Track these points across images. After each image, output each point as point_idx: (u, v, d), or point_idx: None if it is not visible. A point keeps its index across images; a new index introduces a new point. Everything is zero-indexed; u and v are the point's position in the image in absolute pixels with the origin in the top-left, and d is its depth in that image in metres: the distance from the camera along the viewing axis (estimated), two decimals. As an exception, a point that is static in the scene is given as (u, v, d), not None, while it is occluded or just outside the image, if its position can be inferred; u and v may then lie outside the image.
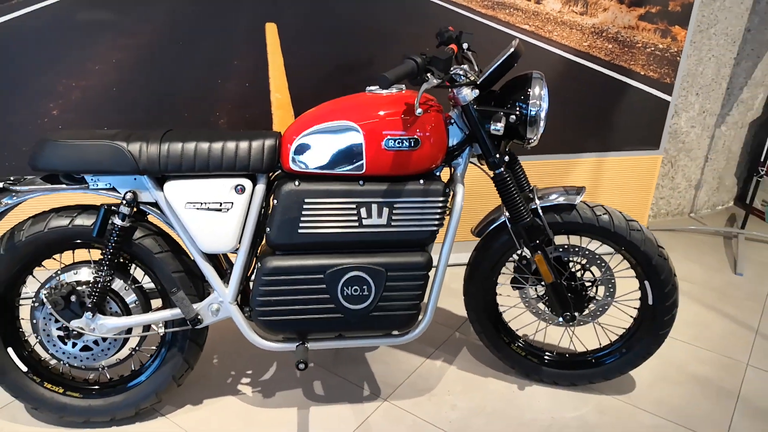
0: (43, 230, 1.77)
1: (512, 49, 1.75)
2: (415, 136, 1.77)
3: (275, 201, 1.79)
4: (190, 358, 1.93)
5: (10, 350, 1.89)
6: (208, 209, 1.78)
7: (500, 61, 1.76)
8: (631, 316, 2.15)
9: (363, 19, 2.49)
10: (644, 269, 1.94)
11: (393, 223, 1.82)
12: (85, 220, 1.79)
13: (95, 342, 1.86)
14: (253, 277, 1.90)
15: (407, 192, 1.81)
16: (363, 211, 1.80)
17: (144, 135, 1.74)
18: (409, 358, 2.30)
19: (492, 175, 1.87)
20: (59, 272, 1.84)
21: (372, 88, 1.85)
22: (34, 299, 1.84)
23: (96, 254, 2.40)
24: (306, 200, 1.78)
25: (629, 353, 2.06)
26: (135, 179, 1.76)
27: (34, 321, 1.84)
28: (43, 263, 1.95)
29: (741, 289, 2.80)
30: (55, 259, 1.89)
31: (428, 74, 1.67)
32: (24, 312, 2.41)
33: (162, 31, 2.36)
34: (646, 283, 1.96)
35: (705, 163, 3.28)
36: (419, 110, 1.66)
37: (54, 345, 1.85)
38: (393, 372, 2.23)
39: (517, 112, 1.78)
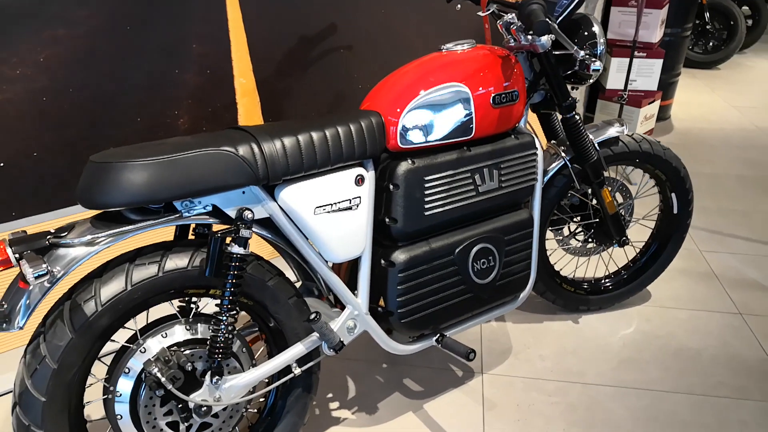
0: (125, 289, 1.27)
1: None
2: (515, 89, 1.69)
3: (393, 186, 1.55)
4: (314, 393, 1.60)
5: (94, 469, 1.34)
6: (339, 210, 1.47)
7: (571, 7, 1.77)
8: (651, 229, 2.38)
9: (322, -16, 2.23)
10: (672, 183, 2.17)
11: (503, 185, 1.73)
12: (177, 262, 1.33)
13: (214, 415, 1.42)
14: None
15: (508, 149, 1.73)
16: (477, 178, 1.67)
17: (233, 136, 1.35)
18: (465, 328, 2.23)
19: (563, 118, 1.89)
20: (140, 343, 1.35)
21: (448, 45, 1.71)
22: (111, 387, 1.33)
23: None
24: (426, 178, 1.58)
25: (659, 260, 2.30)
26: (243, 193, 1.36)
27: (119, 416, 1.33)
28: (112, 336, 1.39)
29: (644, 194, 3.29)
30: (124, 327, 1.37)
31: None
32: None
33: (104, 15, 1.81)
34: (673, 195, 2.19)
35: (568, 97, 3.73)
36: (582, 53, 1.59)
37: (164, 439, 1.36)
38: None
39: (587, 52, 1.81)
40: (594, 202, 2.13)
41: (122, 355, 1.36)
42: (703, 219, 3.05)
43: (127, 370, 1.33)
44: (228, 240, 1.34)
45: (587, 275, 2.51)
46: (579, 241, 2.22)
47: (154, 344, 1.35)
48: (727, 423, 1.83)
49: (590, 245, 2.21)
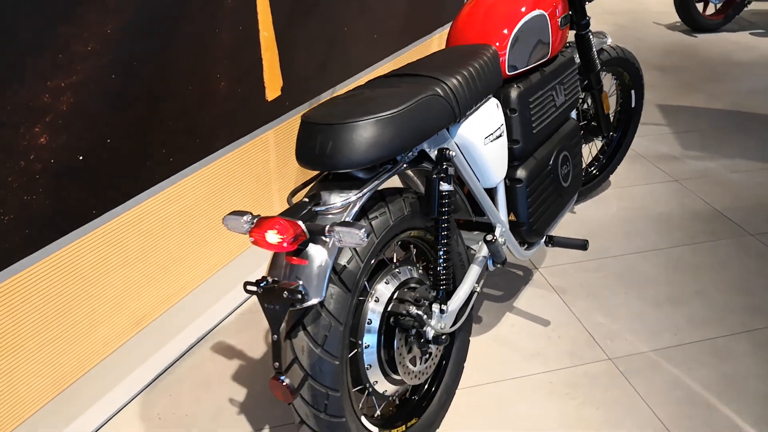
0: (375, 242, 1.31)
1: None
2: (568, 12, 1.93)
3: (510, 111, 1.73)
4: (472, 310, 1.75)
5: (365, 421, 1.38)
6: (497, 137, 1.61)
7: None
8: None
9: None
10: (633, 81, 2.61)
11: (566, 98, 1.98)
12: (396, 210, 1.38)
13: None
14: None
15: (563, 66, 1.98)
16: (554, 94, 1.91)
17: (418, 80, 1.41)
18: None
19: (579, 34, 2.18)
20: (371, 293, 1.39)
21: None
22: (359, 341, 1.37)
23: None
24: (530, 99, 1.78)
25: (623, 145, 2.76)
26: (437, 134, 1.44)
27: (368, 366, 1.39)
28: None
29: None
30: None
31: None
32: None
33: (158, -26, 1.63)
34: (632, 91, 2.64)
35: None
36: None
37: (409, 374, 1.44)
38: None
39: None
40: (583, 106, 2.49)
41: (355, 309, 1.38)
42: (602, 113, 3.64)
43: (369, 321, 1.37)
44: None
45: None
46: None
47: (383, 291, 1.40)
48: (721, 258, 2.37)
49: None
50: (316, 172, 1.53)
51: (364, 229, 1.12)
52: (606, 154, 2.78)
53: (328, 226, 1.15)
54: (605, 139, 2.56)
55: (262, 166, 2.21)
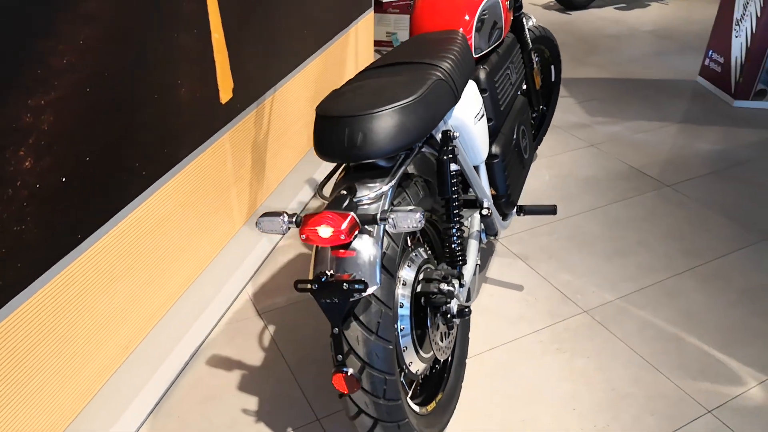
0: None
1: None
2: (513, -3, 2.06)
3: (481, 91, 1.82)
4: (469, 284, 1.84)
5: (409, 401, 1.42)
6: (481, 116, 1.69)
7: None
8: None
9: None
10: (553, 57, 2.81)
11: (517, 76, 2.11)
12: (414, 194, 1.43)
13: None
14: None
15: (511, 46, 2.11)
16: (509, 73, 2.03)
17: (415, 67, 1.46)
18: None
19: (514, 17, 2.32)
20: (399, 277, 1.44)
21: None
22: (396, 326, 1.41)
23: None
24: (494, 79, 1.88)
25: (547, 116, 2.97)
26: (440, 116, 1.50)
27: (404, 347, 1.43)
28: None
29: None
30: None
31: None
32: None
33: (120, -22, 1.54)
34: (552, 67, 2.85)
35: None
36: None
37: (440, 350, 1.50)
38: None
39: None
40: None
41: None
42: (510, 91, 3.86)
43: (401, 305, 1.41)
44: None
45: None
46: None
47: (407, 275, 1.45)
48: (649, 209, 2.64)
49: None
50: (330, 164, 1.52)
51: (419, 212, 1.16)
52: (534, 126, 2.98)
53: (379, 214, 1.17)
54: (536, 113, 2.74)
55: (220, 171, 2.15)
